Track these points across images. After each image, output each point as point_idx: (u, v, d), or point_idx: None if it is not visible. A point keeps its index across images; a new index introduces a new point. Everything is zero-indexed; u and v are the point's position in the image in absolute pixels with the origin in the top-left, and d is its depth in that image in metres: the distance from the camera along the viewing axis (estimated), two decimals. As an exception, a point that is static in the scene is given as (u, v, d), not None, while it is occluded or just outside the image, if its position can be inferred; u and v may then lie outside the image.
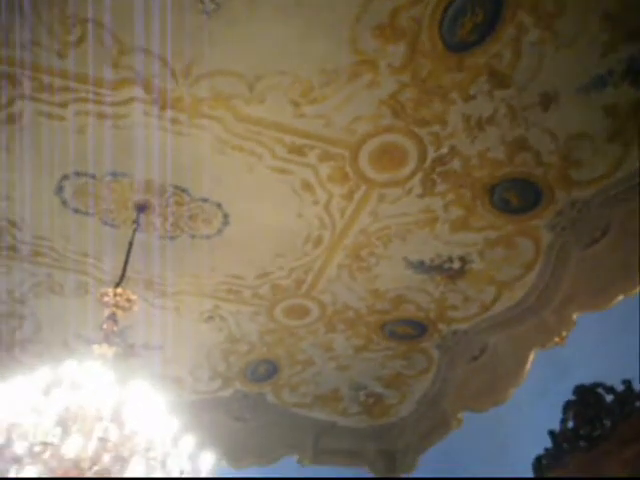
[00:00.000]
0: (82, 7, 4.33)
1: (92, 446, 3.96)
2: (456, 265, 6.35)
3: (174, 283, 6.72)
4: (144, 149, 5.29)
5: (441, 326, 7.21)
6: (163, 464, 4.23)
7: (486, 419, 7.29)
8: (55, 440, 3.85)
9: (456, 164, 5.33)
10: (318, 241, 6.08)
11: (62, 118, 5.08)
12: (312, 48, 4.52)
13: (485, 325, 7.08)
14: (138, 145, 5.26)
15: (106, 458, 4.05)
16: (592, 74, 4.70)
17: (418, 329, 7.26)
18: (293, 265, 6.40)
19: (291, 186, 5.51)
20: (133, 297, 5.14)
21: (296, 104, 4.89)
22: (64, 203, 5.86)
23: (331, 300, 6.87)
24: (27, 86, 4.87)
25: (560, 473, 5.66)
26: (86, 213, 5.95)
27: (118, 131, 5.16)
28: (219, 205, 5.76)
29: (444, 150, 5.21)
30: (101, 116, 5.06)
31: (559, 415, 5.81)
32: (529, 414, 6.65)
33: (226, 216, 5.86)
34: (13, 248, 6.42)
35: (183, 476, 4.24)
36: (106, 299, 5.06)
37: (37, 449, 3.90)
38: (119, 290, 5.10)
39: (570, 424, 5.69)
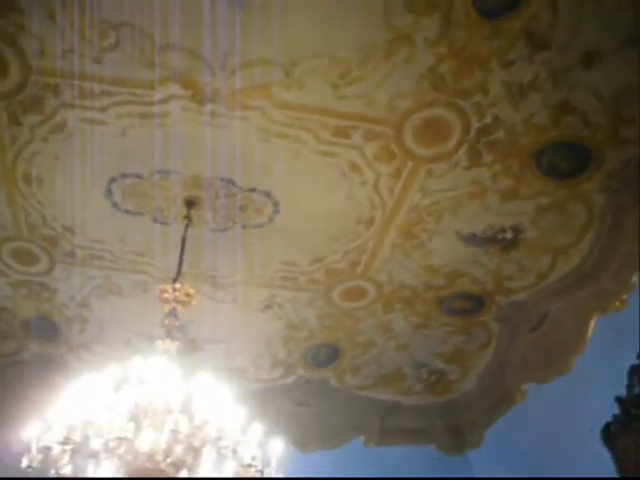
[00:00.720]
0: (114, 12, 4.43)
1: (164, 438, 4.05)
2: (509, 235, 6.29)
3: (229, 275, 6.81)
4: (188, 145, 5.38)
5: (498, 298, 7.15)
6: (234, 452, 4.31)
7: (551, 389, 7.22)
8: (129, 435, 3.95)
9: (501, 133, 5.28)
10: (370, 221, 6.10)
11: (104, 122, 5.20)
12: (346, 28, 4.53)
13: (543, 294, 7.00)
14: (182, 141, 5.35)
15: (179, 449, 4.15)
16: (635, 26, 4.58)
17: (475, 303, 7.22)
18: (347, 247, 6.43)
19: (338, 169, 5.53)
20: (191, 291, 5.21)
21: (335, 86, 4.90)
22: (115, 205, 6.00)
23: (387, 280, 6.87)
24: (68, 94, 5.00)
25: (629, 439, 5.61)
26: (137, 213, 6.09)
27: (161, 129, 5.24)
28: (268, 194, 5.81)
29: (487, 120, 5.17)
30: (142, 116, 5.16)
31: (624, 381, 5.76)
32: (593, 382, 6.56)
33: (276, 204, 5.91)
34: (71, 254, 6.62)
35: (254, 463, 4.32)
36: (165, 295, 5.14)
37: (112, 444, 4.01)
38: (177, 285, 5.18)
39: (636, 389, 5.63)
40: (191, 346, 7.37)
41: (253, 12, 4.41)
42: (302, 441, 8.33)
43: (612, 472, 5.88)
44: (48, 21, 4.47)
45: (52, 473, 4.14)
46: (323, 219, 6.09)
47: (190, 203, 5.87)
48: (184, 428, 4.07)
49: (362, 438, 8.94)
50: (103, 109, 5.10)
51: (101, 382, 4.37)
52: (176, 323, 5.05)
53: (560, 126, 5.24)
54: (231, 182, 5.71)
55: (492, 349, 7.97)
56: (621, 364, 5.83)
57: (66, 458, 4.18)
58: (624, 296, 6.24)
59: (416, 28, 4.51)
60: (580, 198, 5.92)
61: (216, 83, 4.88)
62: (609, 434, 5.88)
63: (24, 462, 4.12)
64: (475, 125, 5.21)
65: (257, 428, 4.49)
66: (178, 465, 4.22)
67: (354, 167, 5.52)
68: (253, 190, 5.79)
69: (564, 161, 5.58)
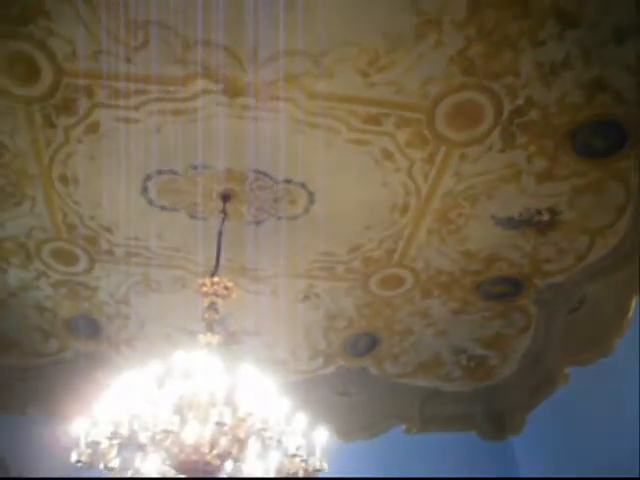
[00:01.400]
0: (142, 10, 4.45)
1: (209, 431, 4.10)
2: (545, 217, 6.22)
3: (267, 267, 6.86)
4: (221, 139, 5.40)
5: (536, 281, 7.09)
6: (279, 442, 4.35)
7: (593, 372, 7.13)
8: (175, 428, 4.00)
9: (534, 114, 5.21)
10: (405, 208, 6.08)
11: (138, 120, 5.25)
12: (373, 15, 4.50)
13: (582, 276, 6.92)
14: (215, 136, 5.38)
15: (224, 441, 4.19)
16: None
17: (513, 286, 7.17)
18: (383, 235, 6.43)
19: (372, 156, 5.52)
20: (230, 284, 5.23)
21: (365, 74, 4.88)
22: (151, 202, 6.07)
23: (424, 266, 6.87)
24: (100, 95, 5.05)
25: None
26: (173, 209, 6.15)
27: (193, 125, 5.27)
28: (303, 184, 5.83)
29: (520, 101, 5.10)
30: (175, 113, 5.19)
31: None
32: (636, 363, 6.49)
33: (311, 194, 5.93)
34: (109, 252, 6.72)
35: (298, 453, 4.35)
36: (205, 289, 5.16)
37: (159, 437, 4.07)
38: (216, 279, 5.20)
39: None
40: (231, 339, 7.45)
41: (280, 4, 4.41)
42: (344, 430, 8.36)
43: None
44: (77, 23, 4.51)
45: (101, 467, 4.22)
46: (358, 208, 6.09)
47: (225, 197, 5.91)
48: (229, 420, 4.09)
49: (403, 426, 8.96)
50: (136, 107, 5.15)
51: (145, 377, 4.42)
52: (216, 317, 5.08)
53: (594, 104, 5.16)
54: (265, 174, 5.74)
55: (531, 333, 7.93)
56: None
57: (114, 452, 4.26)
58: (665, 275, 6.16)
59: (444, 11, 4.46)
60: (617, 177, 5.82)
61: (246, 76, 4.89)
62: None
63: (73, 457, 4.20)
64: (507, 107, 5.15)
65: (301, 418, 4.52)
66: (224, 456, 4.27)
67: (387, 154, 5.50)
68: (288, 182, 5.81)
69: (599, 140, 5.49)
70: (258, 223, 6.27)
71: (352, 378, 8.59)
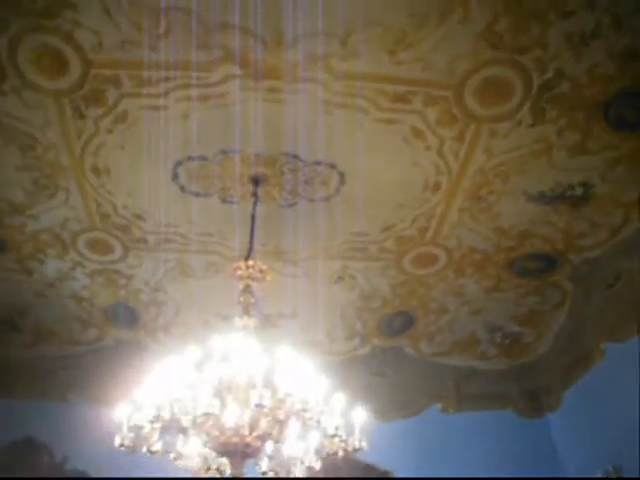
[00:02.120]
0: (164, -3, 4.46)
1: (249, 413, 4.15)
2: (578, 191, 6.15)
3: (300, 249, 6.89)
4: (250, 123, 5.40)
5: (571, 256, 7.03)
6: (318, 423, 4.39)
7: (629, 348, 7.07)
8: (215, 411, 4.05)
9: (564, 87, 5.13)
10: (436, 187, 6.06)
11: (165, 108, 5.28)
12: (398, -7, 4.45)
13: (616, 250, 6.83)
14: (243, 120, 5.38)
15: (264, 423, 4.25)
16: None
17: (547, 263, 7.12)
18: (415, 214, 6.42)
19: (401, 135, 5.49)
20: (264, 267, 5.28)
21: (392, 52, 4.84)
22: (182, 189, 6.11)
23: (456, 244, 6.85)
24: (127, 84, 5.09)
25: None
26: (205, 195, 6.19)
27: (221, 110, 5.29)
28: (333, 165, 5.83)
29: (549, 74, 5.02)
30: (202, 98, 5.21)
31: None
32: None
33: (342, 175, 5.93)
34: (142, 240, 6.79)
35: (338, 433, 4.38)
36: (239, 272, 5.21)
37: (200, 420, 4.13)
38: (250, 262, 5.24)
39: None
40: (266, 322, 7.46)
41: (303, -17, 4.39)
42: (381, 411, 8.36)
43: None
44: (102, 14, 4.53)
45: (143, 450, 4.30)
46: (389, 187, 6.07)
47: (256, 180, 5.93)
48: (268, 401, 4.14)
49: (439, 405, 8.96)
50: (163, 95, 5.18)
51: (184, 361, 4.48)
52: (252, 300, 5.12)
53: (626, 75, 5.06)
54: (295, 157, 5.75)
55: (567, 309, 7.86)
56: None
57: (156, 436, 4.33)
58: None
59: (470, -15, 4.40)
60: (650, 148, 5.72)
61: (272, 59, 4.89)
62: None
63: (116, 441, 4.28)
64: (537, 81, 5.08)
65: (340, 398, 4.54)
66: (264, 438, 4.32)
67: (417, 133, 5.47)
68: (318, 163, 5.82)
69: (632, 111, 5.39)
70: (290, 206, 6.29)
71: (387, 358, 8.61)
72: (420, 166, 5.83)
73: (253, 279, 5.21)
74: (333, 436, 4.36)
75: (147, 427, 4.24)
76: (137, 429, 4.26)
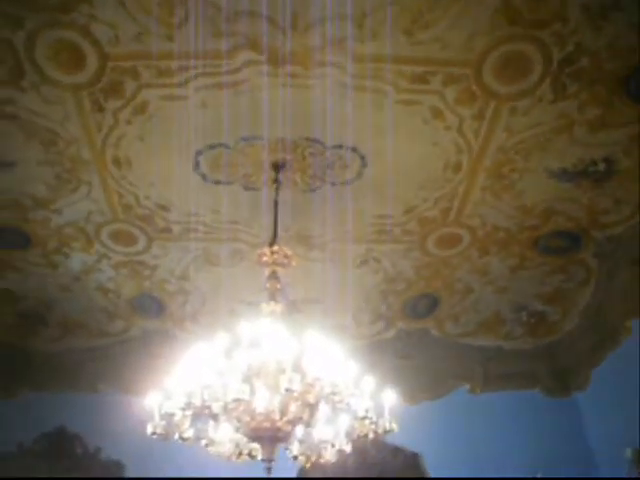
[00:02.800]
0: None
1: (279, 398, 4.18)
2: (601, 167, 6.06)
3: (323, 234, 6.89)
4: (269, 109, 5.39)
5: (595, 233, 6.96)
6: (348, 406, 4.41)
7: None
8: (245, 396, 4.08)
9: (585, 61, 5.03)
10: (457, 166, 6.02)
11: (184, 97, 5.28)
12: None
13: (641, 226, 6.76)
14: (263, 106, 5.37)
15: (294, 407, 4.29)
16: None
17: (572, 240, 7.06)
18: (437, 195, 6.39)
19: (421, 116, 5.45)
20: (289, 252, 5.29)
21: (409, 33, 4.79)
22: (204, 177, 6.13)
23: (480, 223, 6.81)
24: (145, 75, 5.09)
25: None
26: (227, 182, 6.21)
27: (240, 97, 5.28)
28: (354, 149, 5.81)
29: (570, 48, 4.92)
30: (221, 86, 5.20)
31: None
32: None
33: (363, 158, 5.90)
34: (166, 230, 6.83)
35: (368, 415, 4.39)
36: (264, 259, 5.23)
37: (230, 406, 4.17)
38: (275, 248, 5.26)
39: None
40: (292, 308, 7.47)
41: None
42: (409, 393, 8.36)
43: None
44: (117, 6, 4.53)
45: (175, 437, 4.34)
46: (411, 168, 6.04)
47: (277, 166, 5.93)
48: (298, 386, 4.16)
49: (466, 386, 8.97)
50: (181, 84, 5.17)
51: (213, 348, 4.51)
52: (278, 285, 5.14)
53: (647, 46, 4.97)
54: (316, 141, 5.73)
55: (592, 286, 7.80)
56: None
57: (187, 423, 4.37)
58: None
59: (485, -39, 4.35)
60: (676, 121, 5.62)
61: (289, 44, 4.86)
62: None
63: (149, 429, 4.33)
64: (557, 56, 4.99)
65: (369, 380, 4.56)
66: (294, 422, 4.35)
67: (436, 113, 5.43)
68: (339, 147, 5.80)
69: (656, 83, 5.31)
70: (313, 190, 6.29)
71: (413, 341, 8.61)
72: (440, 146, 5.78)
73: (278, 265, 5.23)
74: (363, 418, 4.38)
75: (178, 414, 4.29)
76: (168, 417, 4.31)
